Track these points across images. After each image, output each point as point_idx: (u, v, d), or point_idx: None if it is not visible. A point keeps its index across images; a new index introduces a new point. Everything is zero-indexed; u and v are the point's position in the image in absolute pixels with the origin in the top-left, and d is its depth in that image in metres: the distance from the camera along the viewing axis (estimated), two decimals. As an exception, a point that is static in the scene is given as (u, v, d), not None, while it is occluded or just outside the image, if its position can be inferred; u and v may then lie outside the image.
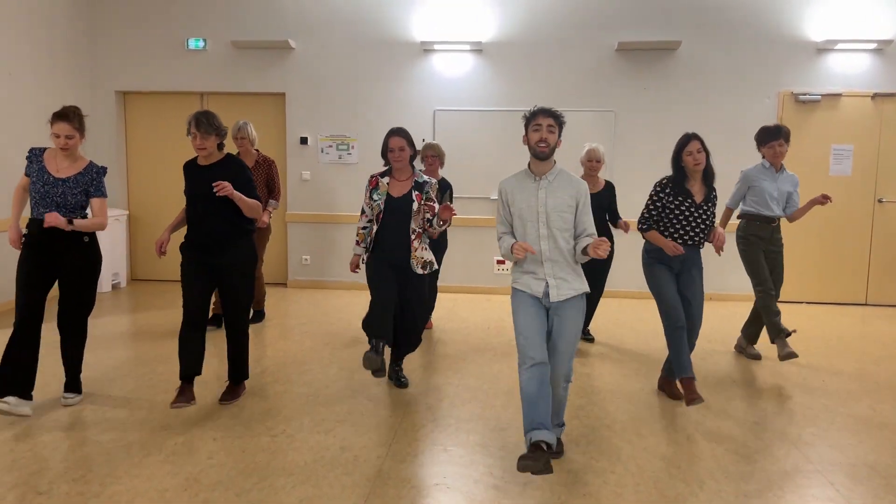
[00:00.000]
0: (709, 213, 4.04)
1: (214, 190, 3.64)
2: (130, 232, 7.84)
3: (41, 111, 6.64)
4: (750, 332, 5.21)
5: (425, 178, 4.14)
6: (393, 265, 4.08)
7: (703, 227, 4.05)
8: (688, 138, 3.98)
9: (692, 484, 3.05)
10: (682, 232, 4.03)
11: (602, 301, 5.69)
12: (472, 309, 6.66)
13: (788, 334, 4.76)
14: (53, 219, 3.55)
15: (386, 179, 4.17)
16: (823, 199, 4.78)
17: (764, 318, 4.88)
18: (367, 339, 4.33)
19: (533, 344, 3.05)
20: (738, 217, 5.08)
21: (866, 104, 6.99)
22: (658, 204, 4.07)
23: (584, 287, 3.21)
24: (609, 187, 5.41)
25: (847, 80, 6.99)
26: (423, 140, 7.25)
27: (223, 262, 3.86)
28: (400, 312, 4.16)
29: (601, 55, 7.14)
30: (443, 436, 3.54)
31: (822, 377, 4.65)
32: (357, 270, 4.34)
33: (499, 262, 7.46)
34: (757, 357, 5.12)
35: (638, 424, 3.74)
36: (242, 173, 3.89)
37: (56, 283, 3.85)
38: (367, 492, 2.92)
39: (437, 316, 6.13)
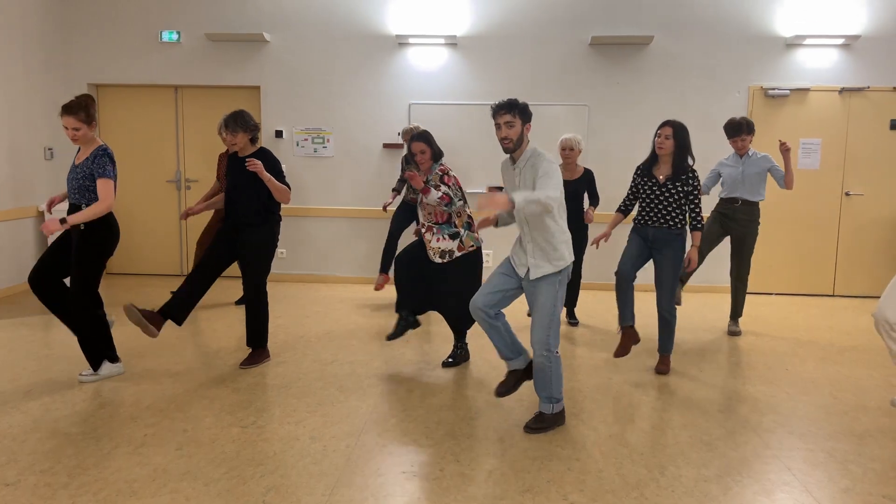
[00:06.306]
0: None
1: (246, 165, 4.21)
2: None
3: (13, 105, 6.61)
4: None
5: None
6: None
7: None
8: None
9: (653, 470, 3.12)
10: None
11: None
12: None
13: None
14: (46, 228, 3.79)
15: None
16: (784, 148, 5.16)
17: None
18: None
19: (494, 299, 3.47)
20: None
21: (834, 98, 7.11)
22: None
23: (556, 268, 3.38)
24: (587, 174, 5.60)
25: (815, 74, 7.10)
26: (399, 134, 7.32)
27: (245, 241, 4.40)
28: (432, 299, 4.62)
29: (575, 50, 7.19)
30: (412, 426, 3.58)
31: (786, 366, 4.75)
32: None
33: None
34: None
35: (605, 413, 3.81)
36: (275, 164, 4.41)
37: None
38: (335, 481, 2.96)
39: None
